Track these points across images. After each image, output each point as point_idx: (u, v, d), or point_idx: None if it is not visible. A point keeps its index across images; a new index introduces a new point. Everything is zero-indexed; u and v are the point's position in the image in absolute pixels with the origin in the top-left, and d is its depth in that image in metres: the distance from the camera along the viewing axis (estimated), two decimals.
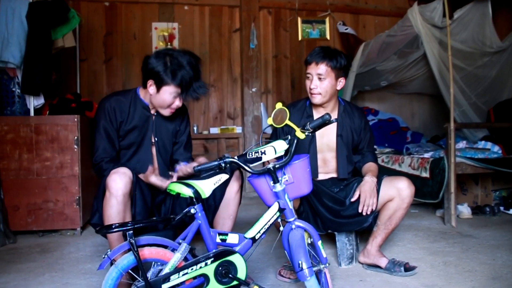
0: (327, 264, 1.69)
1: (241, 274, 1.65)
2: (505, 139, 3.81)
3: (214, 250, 1.63)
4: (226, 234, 1.68)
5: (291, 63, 5.45)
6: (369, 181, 2.17)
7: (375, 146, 2.59)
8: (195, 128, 5.05)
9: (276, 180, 1.67)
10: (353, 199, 2.20)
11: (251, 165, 1.67)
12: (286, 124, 1.78)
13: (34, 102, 3.33)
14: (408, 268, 2.20)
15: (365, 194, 2.14)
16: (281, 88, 5.43)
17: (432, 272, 2.24)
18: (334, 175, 2.39)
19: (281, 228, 1.75)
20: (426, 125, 5.62)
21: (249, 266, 2.09)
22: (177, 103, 2.06)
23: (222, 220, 2.13)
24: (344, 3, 5.58)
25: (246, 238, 1.69)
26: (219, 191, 2.08)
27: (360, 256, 2.34)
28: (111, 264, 1.49)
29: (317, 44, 5.29)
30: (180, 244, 1.59)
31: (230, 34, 5.28)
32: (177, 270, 1.54)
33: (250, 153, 1.69)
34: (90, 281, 2.20)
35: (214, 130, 5.11)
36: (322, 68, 2.21)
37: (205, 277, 1.59)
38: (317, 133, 2.18)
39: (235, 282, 1.63)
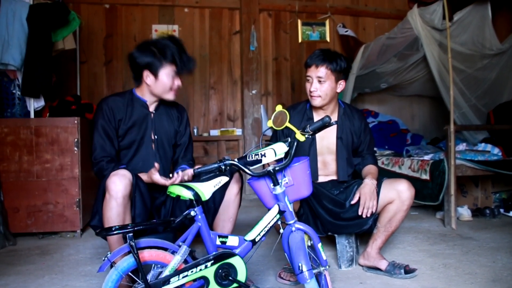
0: (327, 267, 1.69)
1: (241, 276, 1.65)
2: (505, 141, 3.81)
3: (214, 253, 1.63)
4: (226, 237, 1.68)
5: (291, 65, 5.46)
6: (369, 183, 2.18)
7: (375, 149, 2.59)
8: (195, 130, 5.06)
9: (276, 183, 1.67)
10: (353, 202, 2.20)
11: (251, 168, 1.67)
12: (286, 127, 1.78)
13: (34, 104, 3.33)
14: (408, 271, 2.20)
15: (365, 197, 2.14)
16: (281, 90, 5.43)
17: (432, 275, 2.23)
18: (334, 177, 2.39)
19: (281, 231, 1.75)
20: (426, 127, 5.63)
21: (249, 268, 2.09)
22: (177, 82, 2.14)
23: (222, 223, 2.13)
24: (344, 5, 5.58)
25: (246, 240, 1.69)
26: (219, 194, 2.08)
27: (360, 259, 2.34)
28: (111, 266, 1.49)
29: (317, 47, 5.30)
30: (180, 246, 1.59)
31: (230, 37, 5.29)
32: (177, 272, 1.54)
33: (250, 156, 1.69)
34: (90, 283, 2.20)
35: (214, 132, 5.11)
36: (322, 71, 2.21)
37: (205, 280, 1.59)
38: (317, 135, 2.18)
39: (235, 285, 1.63)
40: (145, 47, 2.10)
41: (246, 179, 2.41)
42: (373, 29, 5.71)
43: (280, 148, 1.68)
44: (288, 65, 5.45)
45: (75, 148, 3.18)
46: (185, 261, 1.59)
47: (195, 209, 1.63)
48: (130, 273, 1.54)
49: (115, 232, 1.46)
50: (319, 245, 1.70)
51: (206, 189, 1.64)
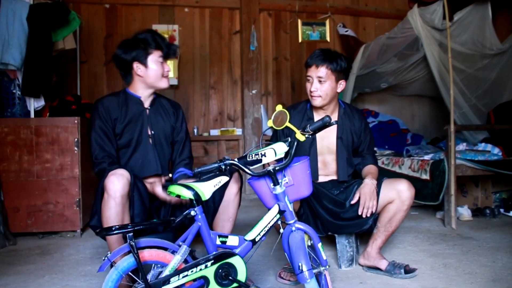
0: (327, 266, 1.69)
1: (241, 276, 1.65)
2: (505, 141, 3.81)
3: (214, 252, 1.63)
4: (226, 236, 1.68)
5: (291, 65, 5.46)
6: (369, 183, 2.18)
7: (375, 148, 2.59)
8: (195, 130, 5.06)
9: (276, 182, 1.67)
10: (353, 202, 2.20)
11: (251, 167, 1.67)
12: (286, 126, 1.78)
13: (34, 104, 3.33)
14: (408, 270, 2.19)
15: (365, 197, 2.14)
16: (281, 90, 5.43)
17: (432, 274, 2.23)
18: (334, 177, 2.39)
19: (281, 230, 1.75)
20: (426, 127, 5.63)
21: (249, 268, 2.09)
22: (167, 68, 2.20)
23: (221, 222, 2.14)
24: (344, 5, 5.58)
25: (246, 240, 1.69)
26: (219, 193, 2.08)
27: (360, 258, 2.34)
28: (111, 266, 1.49)
29: (317, 46, 5.30)
30: (180, 246, 1.59)
31: (230, 36, 5.29)
32: (177, 272, 1.54)
33: (250, 155, 1.69)
34: (90, 283, 2.20)
35: (214, 132, 5.11)
36: (323, 71, 2.21)
37: (205, 279, 1.59)
38: (318, 135, 2.18)
39: (235, 284, 1.63)
40: (128, 43, 2.16)
41: (246, 179, 2.42)
42: (373, 29, 5.71)
43: (280, 148, 1.68)
44: (288, 65, 5.45)
45: (75, 148, 3.18)
46: (185, 261, 1.59)
47: (195, 209, 1.63)
48: (130, 273, 1.54)
49: (115, 232, 1.46)
50: (319, 245, 1.70)
51: (206, 189, 1.64)
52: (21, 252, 2.81)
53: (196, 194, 1.60)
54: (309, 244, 1.71)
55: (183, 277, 1.54)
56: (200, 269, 1.57)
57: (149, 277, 1.55)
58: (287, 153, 1.69)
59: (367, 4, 5.71)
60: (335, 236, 2.37)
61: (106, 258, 1.47)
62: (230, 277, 1.62)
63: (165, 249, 1.60)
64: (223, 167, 1.63)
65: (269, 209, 1.72)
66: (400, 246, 2.79)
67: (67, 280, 2.26)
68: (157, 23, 5.07)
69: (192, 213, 1.62)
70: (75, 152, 3.18)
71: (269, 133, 4.40)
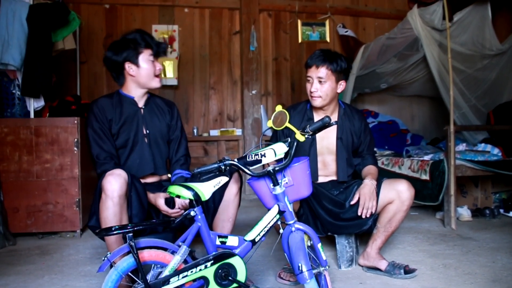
0: (327, 267, 1.69)
1: (241, 276, 1.65)
2: (505, 141, 3.81)
3: (214, 253, 1.63)
4: (226, 237, 1.68)
5: (291, 66, 5.46)
6: (368, 184, 2.18)
7: (375, 149, 2.59)
8: (195, 130, 5.05)
9: (276, 183, 1.67)
10: (352, 202, 2.20)
11: (251, 168, 1.67)
12: (286, 127, 1.78)
13: (34, 104, 3.33)
14: (408, 271, 2.20)
15: (365, 197, 2.14)
16: (281, 91, 5.43)
17: (432, 275, 2.24)
18: (334, 178, 2.39)
19: (281, 231, 1.75)
20: (426, 127, 5.63)
21: (249, 268, 2.09)
22: (158, 66, 2.20)
23: (221, 223, 2.13)
24: (344, 5, 5.58)
25: (246, 240, 1.68)
26: (218, 193, 2.08)
27: (360, 259, 2.34)
28: (111, 266, 1.49)
29: (317, 47, 5.30)
30: (179, 246, 1.59)
31: (230, 37, 5.29)
32: (176, 272, 1.54)
33: (250, 156, 1.69)
34: (90, 283, 2.20)
35: (214, 133, 5.11)
36: (323, 71, 2.21)
37: (205, 280, 1.59)
38: (317, 135, 2.19)
39: (235, 285, 1.63)
40: (117, 44, 2.17)
41: (245, 179, 2.42)
42: (373, 29, 5.71)
43: (280, 148, 1.68)
44: (288, 65, 5.45)
45: (75, 148, 3.18)
46: (185, 261, 1.59)
47: (195, 209, 1.62)
48: (129, 273, 1.54)
49: (115, 232, 1.46)
50: (319, 245, 1.70)
51: (206, 189, 1.63)
52: (21, 252, 2.81)
53: (196, 195, 1.60)
54: (309, 244, 1.71)
55: (182, 277, 1.54)
56: (200, 270, 1.57)
57: (148, 277, 1.54)
58: (287, 154, 1.69)
59: (366, 5, 5.71)
60: (335, 236, 2.37)
61: (105, 258, 1.46)
62: (230, 278, 1.62)
63: (165, 249, 1.60)
64: (223, 167, 1.63)
65: (268, 209, 1.72)
66: (399, 246, 2.79)
67: (67, 280, 2.26)
68: (157, 23, 5.07)
69: (192, 213, 1.62)
70: (75, 152, 3.18)
71: (269, 133, 4.40)
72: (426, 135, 5.23)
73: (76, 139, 3.18)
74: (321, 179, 2.37)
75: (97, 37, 4.92)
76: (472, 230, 3.17)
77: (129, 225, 1.50)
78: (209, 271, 1.59)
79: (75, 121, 3.19)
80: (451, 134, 3.17)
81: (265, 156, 1.68)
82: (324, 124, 1.70)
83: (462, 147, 3.80)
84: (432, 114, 5.61)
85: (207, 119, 5.27)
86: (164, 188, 2.15)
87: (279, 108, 1.82)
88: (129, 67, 2.14)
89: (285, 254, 1.74)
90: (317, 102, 2.26)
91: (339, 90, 2.29)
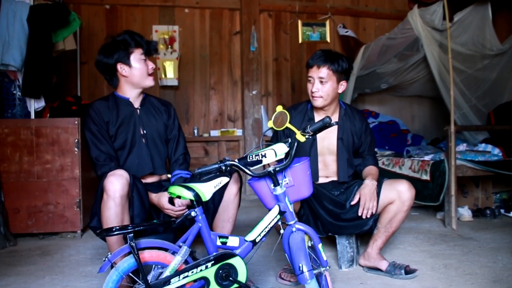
0: (328, 267, 1.69)
1: (242, 277, 1.65)
2: (506, 141, 3.81)
3: (214, 253, 1.63)
4: (227, 237, 1.68)
5: (291, 66, 5.46)
6: (369, 184, 2.17)
7: (375, 149, 2.59)
8: (195, 131, 5.06)
9: (276, 183, 1.67)
10: (353, 202, 2.20)
11: (251, 168, 1.67)
12: (287, 127, 1.78)
13: (34, 105, 3.33)
14: (408, 271, 2.20)
15: (365, 198, 2.14)
16: (282, 91, 5.43)
17: (432, 275, 2.23)
18: (335, 178, 2.39)
19: (282, 231, 1.75)
20: (427, 127, 5.63)
21: (250, 269, 2.09)
22: (150, 65, 2.21)
23: (221, 223, 2.13)
24: (345, 5, 5.58)
25: (247, 241, 1.68)
26: (218, 194, 2.08)
27: (361, 259, 2.34)
28: (112, 267, 1.49)
29: (317, 47, 5.30)
30: (180, 247, 1.59)
31: (230, 37, 5.29)
32: (177, 273, 1.54)
33: (251, 156, 1.69)
34: (91, 284, 2.20)
35: (215, 133, 5.11)
36: (324, 71, 2.21)
37: (206, 280, 1.59)
38: (318, 136, 2.19)
39: (235, 285, 1.63)
40: (108, 47, 2.17)
41: (246, 179, 2.42)
42: (374, 29, 5.71)
43: (281, 149, 1.68)
44: (289, 65, 5.46)
45: (76, 149, 3.18)
46: (186, 262, 1.59)
47: (196, 210, 1.63)
48: (130, 274, 1.54)
49: (116, 233, 1.46)
50: (320, 245, 1.70)
51: (206, 190, 1.64)
52: (22, 253, 2.81)
53: (197, 195, 1.60)
54: (310, 244, 1.71)
55: (183, 278, 1.54)
56: (201, 270, 1.57)
57: (149, 278, 1.55)
58: (287, 154, 1.68)
59: (367, 5, 5.71)
60: (336, 236, 2.37)
61: (106, 259, 1.47)
62: (231, 278, 1.62)
63: (166, 250, 1.60)
64: (224, 168, 1.63)
65: (269, 209, 1.72)
66: (400, 246, 2.79)
67: (68, 281, 2.26)
68: (157, 23, 5.07)
69: (193, 213, 1.62)
70: (76, 153, 3.18)
71: (270, 133, 4.40)
72: (426, 135, 5.22)
73: (76, 140, 3.18)
74: (321, 180, 2.37)
75: (98, 38, 4.91)
76: (473, 230, 3.17)
77: (130, 225, 1.50)
78: (209, 272, 1.59)
79: (76, 122, 3.19)
80: (451, 134, 3.17)
81: (265, 157, 1.68)
82: (325, 125, 1.70)
83: (462, 147, 3.79)
84: (433, 114, 5.61)
85: (208, 119, 5.27)
86: (164, 188, 2.15)
87: (279, 108, 1.82)
88: (121, 68, 2.14)
89: (286, 255, 1.74)
90: (318, 102, 2.26)
91: (340, 91, 2.29)
